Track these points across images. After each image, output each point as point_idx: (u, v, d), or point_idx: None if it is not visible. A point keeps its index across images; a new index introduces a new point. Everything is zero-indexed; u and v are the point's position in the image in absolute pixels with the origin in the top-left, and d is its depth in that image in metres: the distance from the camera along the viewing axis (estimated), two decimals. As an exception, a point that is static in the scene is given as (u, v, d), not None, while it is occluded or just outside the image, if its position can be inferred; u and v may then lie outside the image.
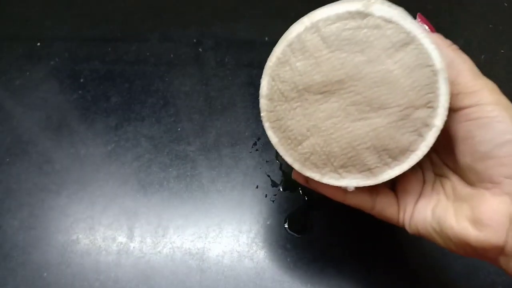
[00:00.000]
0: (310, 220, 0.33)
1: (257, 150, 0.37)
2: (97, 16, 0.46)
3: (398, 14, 0.21)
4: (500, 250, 0.20)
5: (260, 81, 0.24)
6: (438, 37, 0.22)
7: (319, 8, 0.22)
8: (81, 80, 0.42)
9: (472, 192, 0.22)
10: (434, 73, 0.21)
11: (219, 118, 0.39)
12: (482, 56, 0.41)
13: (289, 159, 0.23)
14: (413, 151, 0.22)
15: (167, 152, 0.37)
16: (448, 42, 0.22)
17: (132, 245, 0.33)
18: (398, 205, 0.25)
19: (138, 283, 0.31)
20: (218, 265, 0.32)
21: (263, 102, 0.23)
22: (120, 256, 0.33)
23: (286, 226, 0.33)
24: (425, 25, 0.23)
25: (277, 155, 0.24)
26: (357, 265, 0.31)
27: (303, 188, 0.34)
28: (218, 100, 0.40)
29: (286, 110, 0.23)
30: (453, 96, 0.21)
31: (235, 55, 0.42)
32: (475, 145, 0.21)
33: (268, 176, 0.36)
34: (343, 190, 0.24)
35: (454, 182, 0.23)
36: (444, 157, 0.24)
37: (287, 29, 0.23)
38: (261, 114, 0.23)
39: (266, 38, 0.43)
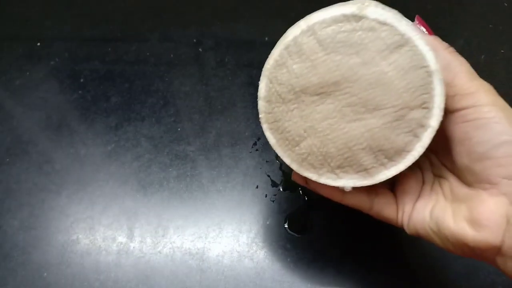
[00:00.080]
0: (310, 220, 0.34)
1: (257, 150, 0.37)
2: (97, 16, 0.46)
3: (393, 16, 0.21)
4: (497, 250, 0.20)
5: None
6: (435, 39, 0.23)
7: (316, 12, 0.22)
8: (81, 80, 0.42)
9: (469, 192, 0.22)
10: (429, 74, 0.21)
11: (219, 118, 0.39)
12: (482, 56, 0.41)
13: (287, 160, 0.24)
14: (408, 151, 0.22)
15: (167, 152, 0.37)
16: (445, 44, 0.23)
17: (132, 245, 0.33)
18: (397, 206, 0.25)
19: (138, 283, 0.31)
20: (218, 265, 0.32)
21: (261, 104, 0.24)
22: (120, 256, 0.33)
23: (286, 226, 0.33)
24: (422, 27, 0.23)
25: (277, 155, 0.24)
26: (357, 265, 0.31)
27: (303, 188, 0.34)
28: (218, 100, 0.40)
29: (283, 111, 0.23)
30: (449, 97, 0.22)
31: (235, 55, 0.42)
32: (472, 146, 0.21)
33: (268, 176, 0.36)
34: (341, 190, 0.24)
35: (452, 183, 0.23)
36: (443, 158, 0.24)
37: (287, 29, 0.23)
38: (260, 116, 0.24)
39: (266, 38, 0.43)
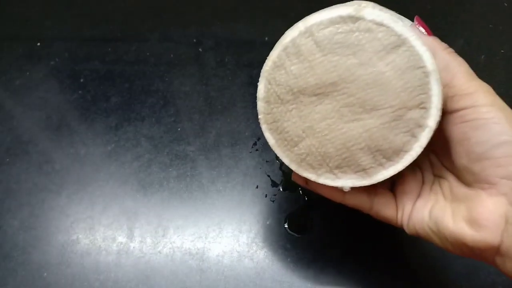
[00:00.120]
0: (310, 220, 0.34)
1: (257, 150, 0.37)
2: (97, 16, 0.46)
3: (389, 17, 0.21)
4: (495, 250, 0.20)
5: (260, 82, 0.24)
6: (434, 40, 0.23)
7: (313, 13, 0.23)
8: (81, 80, 0.42)
9: (469, 192, 0.22)
10: (426, 74, 0.21)
11: (219, 118, 0.39)
12: (482, 56, 0.41)
13: (286, 160, 0.24)
14: (406, 151, 0.22)
15: (167, 152, 0.37)
16: (443, 45, 0.23)
17: (132, 245, 0.33)
18: (397, 206, 0.25)
19: (138, 283, 0.31)
20: (218, 265, 0.32)
21: (260, 105, 0.24)
22: (120, 256, 0.33)
23: (286, 226, 0.33)
24: (421, 28, 0.23)
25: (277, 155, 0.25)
26: (357, 265, 0.31)
27: (303, 188, 0.34)
28: (218, 100, 0.40)
29: (282, 112, 0.23)
30: (448, 98, 0.22)
31: (235, 55, 0.42)
32: (471, 146, 0.21)
33: (268, 176, 0.36)
34: (340, 190, 0.24)
35: (451, 183, 0.23)
36: (442, 158, 0.25)
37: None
38: (259, 117, 0.24)
39: (266, 38, 0.43)
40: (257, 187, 0.35)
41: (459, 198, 0.22)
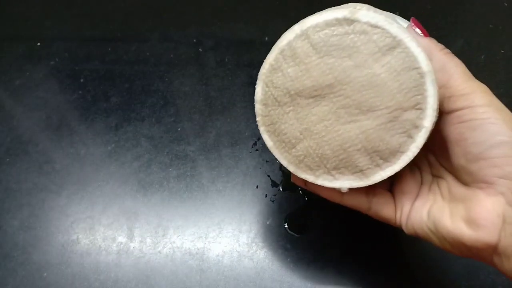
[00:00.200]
0: (310, 220, 0.34)
1: (257, 150, 0.37)
2: (97, 16, 0.46)
3: (384, 19, 0.21)
4: (493, 250, 0.20)
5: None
6: (430, 41, 0.23)
7: (309, 16, 0.23)
8: (81, 80, 0.42)
9: (467, 192, 0.22)
10: (421, 75, 0.21)
11: (219, 118, 0.39)
12: (482, 56, 0.41)
13: (284, 162, 0.24)
14: (403, 152, 0.22)
15: (167, 152, 0.37)
16: (440, 46, 0.23)
17: (132, 245, 0.33)
18: (395, 206, 0.25)
19: (138, 283, 0.32)
20: (218, 265, 0.32)
21: (258, 107, 0.24)
22: (120, 256, 0.33)
23: (286, 226, 0.33)
24: (417, 29, 0.23)
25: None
26: (357, 265, 0.31)
27: (303, 188, 0.34)
28: (218, 100, 0.40)
29: (279, 114, 0.24)
30: (445, 98, 0.22)
31: (235, 55, 0.42)
32: (468, 146, 0.21)
33: (268, 176, 0.36)
34: (339, 191, 0.25)
35: (450, 183, 0.23)
36: (441, 158, 0.25)
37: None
38: (257, 119, 0.24)
39: (266, 38, 0.43)
40: (257, 187, 0.35)
41: (457, 198, 0.22)
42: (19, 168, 0.37)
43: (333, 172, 0.23)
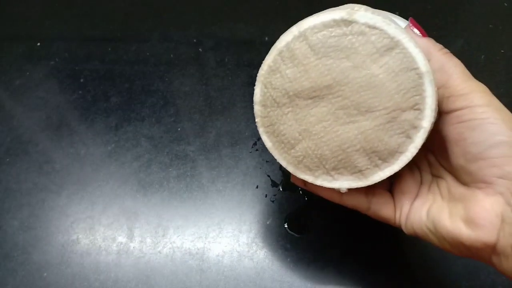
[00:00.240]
0: (310, 220, 0.34)
1: (257, 150, 0.37)
2: (97, 16, 0.46)
3: (382, 20, 0.21)
4: (492, 249, 0.20)
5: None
6: (429, 41, 0.23)
7: (307, 17, 0.23)
8: (81, 80, 0.42)
9: (466, 192, 0.22)
10: (420, 76, 0.21)
11: (219, 118, 0.39)
12: (482, 56, 0.41)
13: (283, 162, 0.24)
14: (402, 152, 0.22)
15: (167, 152, 0.37)
16: (438, 46, 0.23)
17: (132, 245, 0.33)
18: (395, 206, 0.25)
19: (138, 283, 0.32)
20: (218, 265, 0.32)
21: (257, 108, 0.24)
22: (120, 256, 0.33)
23: (286, 226, 0.33)
24: (416, 29, 0.23)
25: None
26: (357, 265, 0.31)
27: (303, 188, 0.34)
28: (218, 100, 0.40)
29: (278, 115, 0.24)
30: (444, 98, 0.22)
31: (235, 55, 0.42)
32: (467, 146, 0.21)
33: (268, 176, 0.36)
34: (338, 191, 0.25)
35: (449, 183, 0.23)
36: (440, 158, 0.25)
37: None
38: (256, 120, 0.24)
39: (266, 38, 0.43)
40: (257, 187, 0.35)
41: (456, 197, 0.22)
42: (19, 168, 0.37)
43: (332, 173, 0.23)
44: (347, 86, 0.22)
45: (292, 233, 0.33)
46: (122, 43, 0.44)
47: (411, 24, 0.24)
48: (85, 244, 0.33)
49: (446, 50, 0.23)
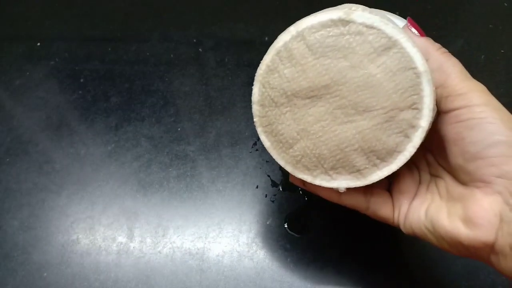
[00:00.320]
0: (310, 220, 0.34)
1: (257, 150, 0.37)
2: (97, 16, 0.46)
3: (379, 20, 0.21)
4: (490, 249, 0.20)
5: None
6: (427, 41, 0.23)
7: (305, 17, 0.23)
8: (81, 80, 0.42)
9: (464, 191, 0.22)
10: (417, 75, 0.21)
11: (219, 118, 0.39)
12: (482, 56, 0.41)
13: (281, 162, 0.24)
14: (400, 152, 0.22)
15: (167, 152, 0.37)
16: (436, 45, 0.23)
17: (132, 245, 0.33)
18: (393, 206, 0.25)
19: (138, 283, 0.32)
20: (218, 265, 0.32)
21: (255, 108, 0.24)
22: (120, 256, 0.33)
23: (286, 226, 0.33)
24: (414, 29, 0.23)
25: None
26: (357, 265, 0.31)
27: (302, 188, 0.34)
28: (218, 100, 0.40)
29: (276, 115, 0.24)
30: (443, 98, 0.22)
31: (235, 55, 0.42)
32: (465, 146, 0.21)
33: (268, 176, 0.36)
34: (337, 191, 0.25)
35: (448, 182, 0.23)
36: (439, 158, 0.25)
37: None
38: (254, 120, 0.24)
39: (266, 38, 0.43)
40: (257, 187, 0.35)
41: (455, 197, 0.22)
42: (19, 168, 0.37)
43: (331, 172, 0.23)
44: (345, 85, 0.22)
45: (292, 233, 0.33)
46: (122, 43, 0.44)
47: (409, 24, 0.24)
48: (85, 244, 0.33)
49: (444, 49, 0.23)
